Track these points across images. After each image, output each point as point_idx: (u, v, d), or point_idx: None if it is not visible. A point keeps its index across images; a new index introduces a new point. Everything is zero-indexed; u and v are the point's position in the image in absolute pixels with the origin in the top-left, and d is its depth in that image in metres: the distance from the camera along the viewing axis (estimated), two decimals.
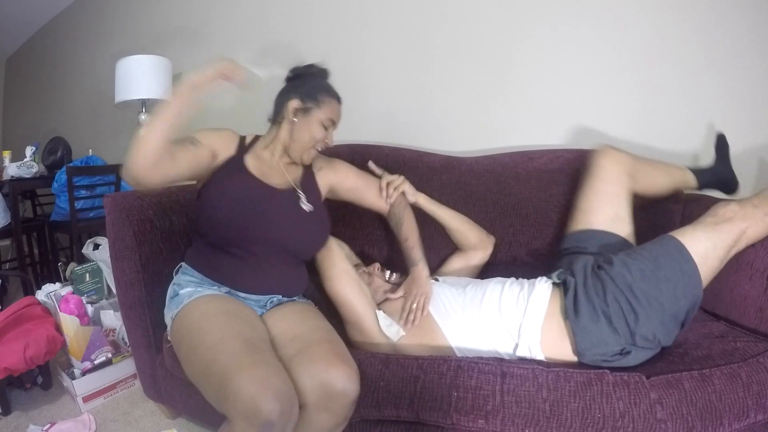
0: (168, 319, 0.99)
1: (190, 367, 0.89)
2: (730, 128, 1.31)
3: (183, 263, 1.07)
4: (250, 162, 1.08)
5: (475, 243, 1.33)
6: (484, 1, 1.61)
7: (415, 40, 1.74)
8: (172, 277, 1.07)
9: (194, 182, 1.10)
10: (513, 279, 1.11)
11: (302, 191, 1.10)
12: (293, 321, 0.97)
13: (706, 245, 0.94)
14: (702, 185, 1.26)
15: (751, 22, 1.28)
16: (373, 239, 1.49)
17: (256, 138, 1.15)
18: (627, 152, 1.20)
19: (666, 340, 0.93)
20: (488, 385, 0.86)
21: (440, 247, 1.40)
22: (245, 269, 1.01)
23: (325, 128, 1.09)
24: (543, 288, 1.03)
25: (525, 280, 1.09)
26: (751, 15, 1.28)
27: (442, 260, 1.39)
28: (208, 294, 0.97)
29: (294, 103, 1.09)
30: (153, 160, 0.88)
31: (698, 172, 1.27)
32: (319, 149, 1.12)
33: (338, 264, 1.10)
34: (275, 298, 1.05)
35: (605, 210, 1.14)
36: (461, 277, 1.29)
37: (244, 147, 1.10)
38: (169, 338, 1.01)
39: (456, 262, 1.35)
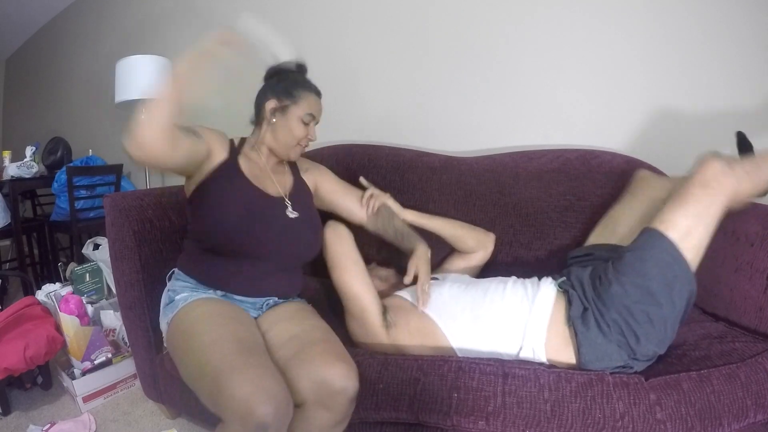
0: (164, 325, 0.99)
1: (185, 369, 0.89)
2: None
3: (176, 269, 1.07)
4: (243, 165, 1.06)
5: (474, 246, 1.32)
6: (484, 1, 1.61)
7: (415, 40, 1.74)
8: (166, 283, 1.07)
9: (180, 177, 1.03)
10: (515, 278, 1.10)
11: (293, 194, 1.11)
12: (289, 322, 0.97)
13: (699, 234, 0.90)
14: None
15: (757, 19, 1.28)
16: (371, 239, 1.49)
17: (243, 140, 1.14)
18: (664, 177, 1.25)
19: (663, 349, 0.93)
20: (490, 386, 0.86)
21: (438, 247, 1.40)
22: (240, 273, 1.01)
23: (305, 124, 1.07)
24: (548, 290, 1.02)
25: (527, 280, 1.09)
26: (757, 13, 1.28)
27: (442, 258, 1.38)
28: (203, 297, 0.97)
29: (271, 104, 1.08)
30: (160, 132, 0.82)
31: None
32: (304, 145, 1.10)
33: (348, 254, 1.09)
34: (271, 300, 1.05)
35: (633, 227, 1.16)
36: (462, 274, 1.29)
37: (235, 149, 1.09)
38: (165, 344, 1.01)
39: (456, 262, 1.34)
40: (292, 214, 1.06)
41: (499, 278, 1.11)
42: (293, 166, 1.21)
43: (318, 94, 1.12)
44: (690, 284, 0.91)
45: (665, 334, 0.90)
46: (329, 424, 0.84)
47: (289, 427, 0.81)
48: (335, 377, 0.82)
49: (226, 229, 0.97)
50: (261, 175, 1.09)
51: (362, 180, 1.31)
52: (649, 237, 0.94)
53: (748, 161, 0.96)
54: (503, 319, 0.99)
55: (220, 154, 1.04)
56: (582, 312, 0.95)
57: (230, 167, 1.04)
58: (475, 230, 1.33)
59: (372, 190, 1.27)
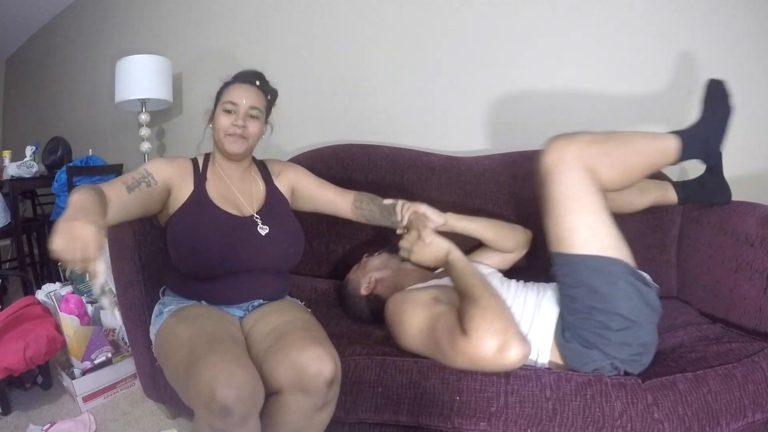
0: (152, 336, 1.02)
1: (167, 373, 0.92)
2: (741, 128, 1.29)
3: (166, 286, 1.10)
4: (211, 188, 1.09)
5: (512, 247, 1.24)
6: (483, 2, 1.61)
7: (415, 41, 1.74)
8: (165, 283, 1.11)
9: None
10: (532, 282, 1.10)
11: (265, 207, 1.12)
12: (272, 316, 0.98)
13: (579, 219, 0.88)
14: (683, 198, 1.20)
15: (758, 19, 1.28)
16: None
17: (208, 156, 1.16)
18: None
19: (645, 328, 0.87)
20: (493, 387, 0.86)
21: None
22: (221, 288, 1.03)
23: (227, 111, 1.07)
24: (554, 296, 1.01)
25: (539, 284, 1.08)
26: (757, 13, 1.28)
27: (468, 251, 1.28)
28: (186, 304, 1.01)
29: (208, 115, 1.15)
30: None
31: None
32: (236, 134, 1.07)
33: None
34: (256, 302, 1.07)
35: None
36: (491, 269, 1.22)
37: (200, 175, 1.10)
38: (154, 353, 1.03)
39: (488, 258, 1.26)
40: (263, 230, 1.06)
41: (521, 281, 1.10)
42: (265, 173, 1.20)
43: (247, 81, 1.11)
44: (609, 264, 0.87)
45: (631, 322, 0.86)
46: (309, 410, 0.83)
47: (268, 414, 0.82)
48: (310, 360, 0.81)
49: (198, 257, 1.00)
50: (229, 193, 1.10)
51: (387, 201, 1.24)
52: (555, 258, 0.94)
53: (596, 131, 0.93)
54: (527, 323, 0.97)
55: (185, 187, 1.07)
56: (561, 320, 0.95)
57: (197, 199, 1.06)
58: (515, 231, 1.25)
59: (402, 201, 1.21)
